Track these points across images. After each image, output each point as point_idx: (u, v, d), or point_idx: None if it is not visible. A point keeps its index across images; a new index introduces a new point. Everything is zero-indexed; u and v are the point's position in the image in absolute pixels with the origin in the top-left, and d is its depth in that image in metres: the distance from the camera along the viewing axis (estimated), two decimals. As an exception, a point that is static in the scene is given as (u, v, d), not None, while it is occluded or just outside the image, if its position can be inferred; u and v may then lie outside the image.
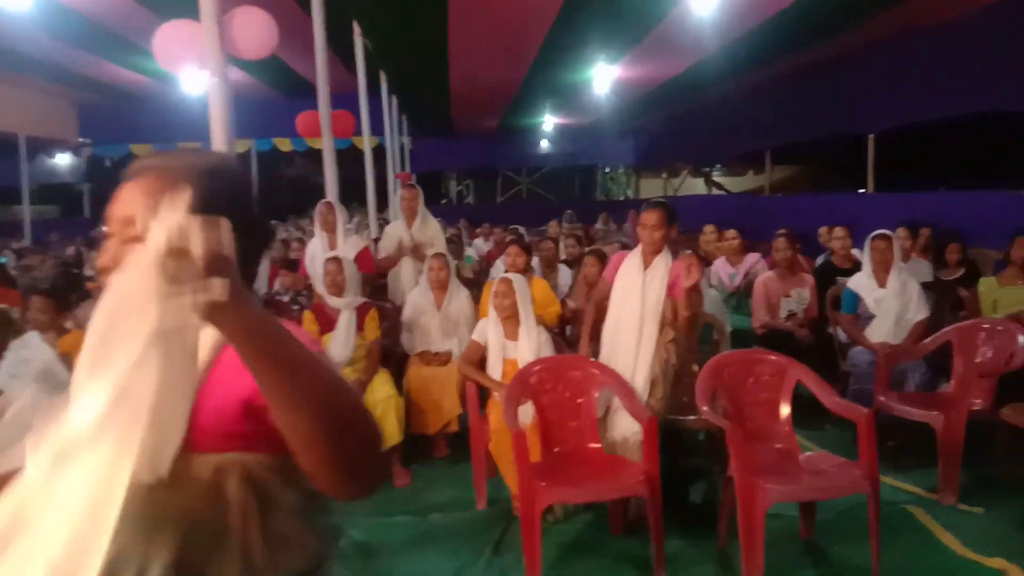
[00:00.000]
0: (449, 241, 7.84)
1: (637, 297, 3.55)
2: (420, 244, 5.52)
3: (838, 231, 5.54)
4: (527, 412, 3.60)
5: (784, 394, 3.39)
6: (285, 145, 19.02)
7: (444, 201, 22.44)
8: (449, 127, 17.05)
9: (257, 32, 4.07)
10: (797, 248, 5.56)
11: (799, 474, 3.03)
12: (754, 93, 11.96)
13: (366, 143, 8.52)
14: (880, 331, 4.66)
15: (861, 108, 9.34)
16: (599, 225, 13.76)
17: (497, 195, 22.60)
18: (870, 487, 2.89)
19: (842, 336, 5.00)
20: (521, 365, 3.99)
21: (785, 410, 3.38)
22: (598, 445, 3.44)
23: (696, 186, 20.20)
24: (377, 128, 11.64)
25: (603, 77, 9.43)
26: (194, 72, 4.27)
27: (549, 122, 15.73)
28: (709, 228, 7.53)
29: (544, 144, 19.32)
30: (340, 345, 4.44)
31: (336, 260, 4.56)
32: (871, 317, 4.73)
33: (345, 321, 4.48)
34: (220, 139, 4.03)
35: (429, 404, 4.64)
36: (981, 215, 6.83)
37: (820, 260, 6.30)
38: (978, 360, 4.11)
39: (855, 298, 4.81)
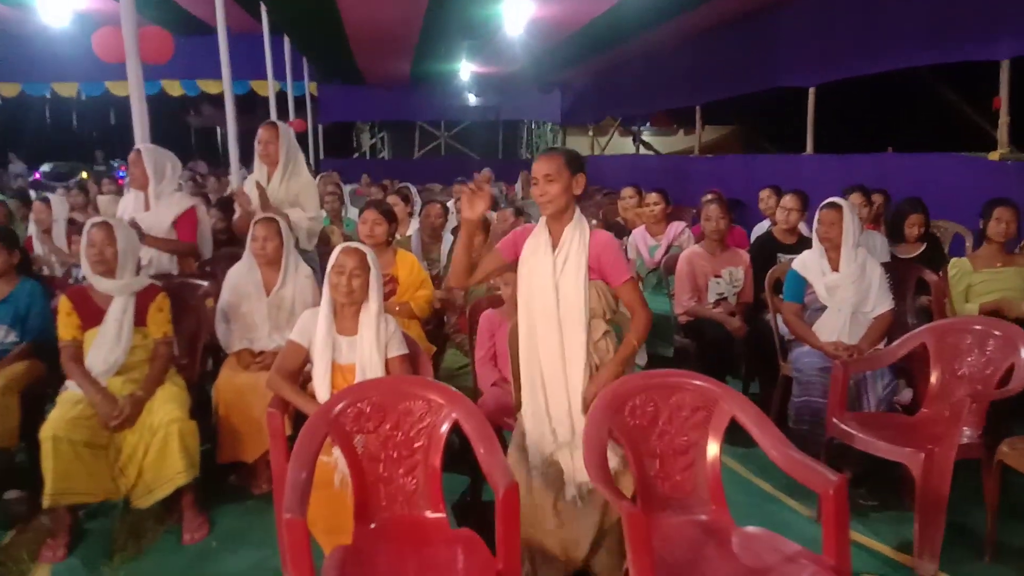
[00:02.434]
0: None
1: (548, 290, 2.45)
2: (266, 203, 4.18)
3: (788, 199, 4.48)
4: (341, 464, 2.45)
5: (713, 436, 2.32)
6: (174, 88, 17.16)
7: (356, 155, 20.88)
8: (357, 73, 15.47)
9: None
10: (731, 217, 4.50)
11: (732, 580, 1.96)
12: (683, 44, 10.90)
13: (226, 82, 7.06)
14: (832, 326, 3.65)
15: (799, 60, 8.36)
16: (519, 185, 12.59)
17: (415, 150, 21.12)
18: (841, 603, 1.84)
19: (783, 328, 3.99)
20: (360, 374, 2.86)
21: (714, 458, 2.31)
22: (440, 515, 2.31)
23: (625, 146, 19.16)
24: (257, 70, 10.12)
25: (515, 13, 8.16)
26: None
27: (466, 70, 14.33)
28: (628, 191, 6.41)
29: (464, 96, 17.90)
30: (107, 346, 3.16)
31: (104, 226, 3.24)
32: (821, 308, 3.73)
33: (116, 312, 3.20)
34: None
35: (247, 422, 3.43)
36: (939, 181, 5.93)
37: (757, 231, 5.29)
38: (961, 372, 3.14)
39: (802, 283, 3.79)
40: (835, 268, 3.71)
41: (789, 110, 8.97)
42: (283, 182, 4.22)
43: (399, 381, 2.55)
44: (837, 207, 3.66)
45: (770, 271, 4.11)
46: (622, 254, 2.52)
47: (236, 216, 4.51)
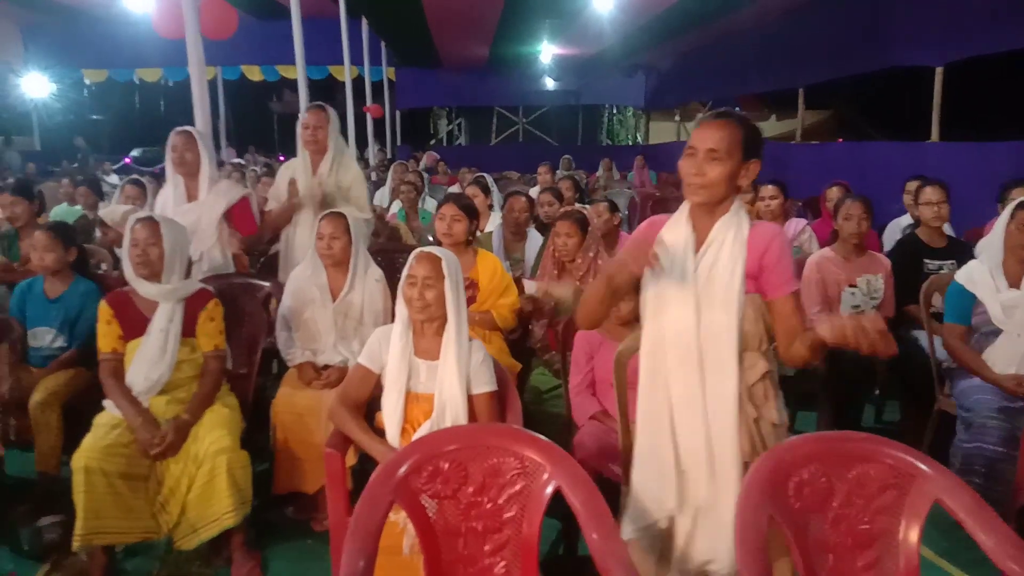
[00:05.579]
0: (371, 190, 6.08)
1: (686, 307, 1.86)
2: (323, 195, 3.76)
3: (932, 192, 3.77)
4: (411, 526, 1.96)
5: (910, 523, 1.72)
6: (254, 74, 17.17)
7: (433, 141, 20.55)
8: (435, 56, 15.07)
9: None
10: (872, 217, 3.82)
11: None
12: (783, 20, 10.03)
13: (299, 67, 6.70)
14: (1009, 355, 2.98)
15: (924, 35, 7.45)
16: (600, 172, 11.99)
17: (492, 136, 20.65)
18: None
19: (941, 353, 3.31)
20: (439, 408, 2.37)
21: (911, 554, 1.71)
22: (538, 610, 1.79)
23: (711, 132, 18.20)
24: (335, 55, 9.78)
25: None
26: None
27: (547, 52, 13.75)
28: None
29: (543, 80, 17.30)
30: (150, 361, 2.76)
31: (148, 222, 2.83)
32: (994, 332, 3.04)
33: (161, 321, 2.80)
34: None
35: (307, 448, 3.00)
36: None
37: (892, 232, 4.57)
38: None
39: (969, 301, 3.11)
40: (1013, 284, 3.02)
41: (900, 91, 8.06)
42: (331, 173, 3.77)
43: (484, 431, 2.02)
44: None
45: (924, 285, 3.42)
46: (790, 253, 1.89)
47: (268, 208, 4.06)
